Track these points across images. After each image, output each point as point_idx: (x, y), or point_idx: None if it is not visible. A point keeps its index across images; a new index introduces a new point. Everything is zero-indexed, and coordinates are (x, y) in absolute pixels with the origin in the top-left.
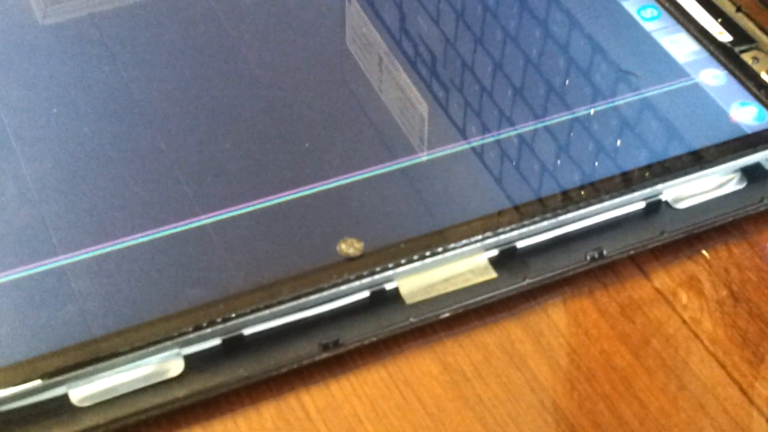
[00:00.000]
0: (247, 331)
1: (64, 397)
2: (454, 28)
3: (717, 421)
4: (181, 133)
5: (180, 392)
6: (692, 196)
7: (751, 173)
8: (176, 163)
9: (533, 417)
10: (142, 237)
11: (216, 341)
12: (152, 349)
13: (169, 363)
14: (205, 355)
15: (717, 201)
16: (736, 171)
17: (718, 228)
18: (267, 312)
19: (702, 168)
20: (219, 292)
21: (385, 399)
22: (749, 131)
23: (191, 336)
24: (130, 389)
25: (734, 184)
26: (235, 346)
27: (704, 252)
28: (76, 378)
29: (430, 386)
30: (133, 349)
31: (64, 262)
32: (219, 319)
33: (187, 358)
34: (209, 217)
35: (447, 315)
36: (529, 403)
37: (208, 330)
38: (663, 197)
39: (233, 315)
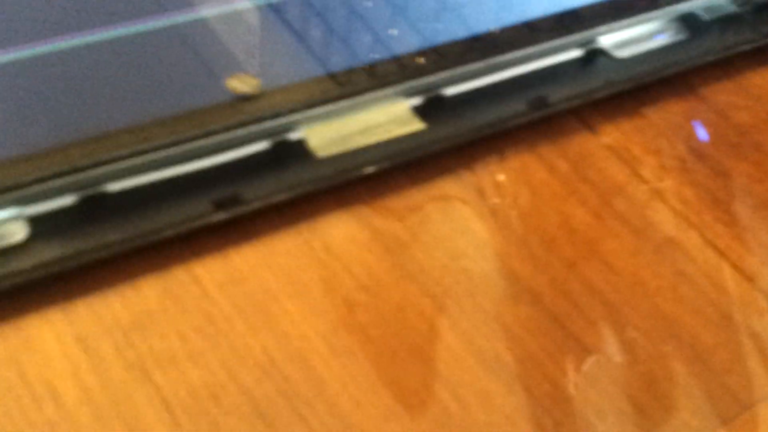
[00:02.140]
0: (112, 187)
1: None
2: None
3: (696, 285)
4: None
5: (24, 263)
6: (631, 44)
7: (691, 25)
8: None
9: (489, 287)
10: None
11: (70, 199)
12: None
13: (5, 226)
14: (57, 217)
15: (659, 51)
16: (673, 20)
17: (665, 81)
18: (137, 161)
19: (637, 12)
20: (73, 135)
21: (303, 271)
22: None
23: (32, 189)
24: None
25: (674, 35)
26: (97, 207)
27: (655, 105)
28: None
29: (359, 254)
30: None
31: None
32: (68, 169)
33: (33, 221)
34: (63, 41)
35: (372, 170)
36: (481, 272)
37: (57, 182)
38: (601, 44)
39: (91, 163)
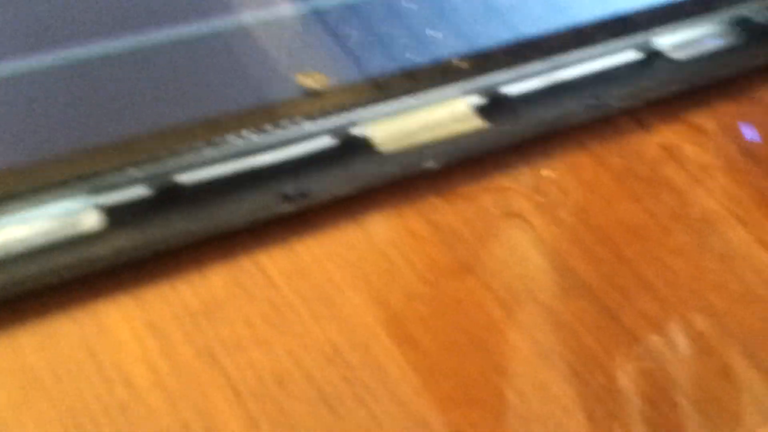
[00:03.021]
0: (183, 178)
1: None
2: None
3: (748, 283)
4: None
5: (99, 250)
6: (687, 46)
7: (745, 28)
8: None
9: (546, 282)
10: (50, 57)
11: (143, 189)
12: (55, 193)
13: (80, 214)
14: (130, 207)
15: (714, 54)
16: (727, 24)
17: (719, 83)
18: (207, 153)
19: (692, 14)
20: (145, 127)
21: (365, 263)
22: None
23: (107, 179)
24: (29, 246)
25: (728, 38)
26: (169, 198)
27: (708, 108)
28: None
29: (419, 248)
30: (28, 191)
31: None
32: (143, 159)
33: (108, 211)
34: (139, 37)
35: (432, 165)
36: (538, 267)
37: (130, 172)
38: (657, 46)
39: (162, 155)
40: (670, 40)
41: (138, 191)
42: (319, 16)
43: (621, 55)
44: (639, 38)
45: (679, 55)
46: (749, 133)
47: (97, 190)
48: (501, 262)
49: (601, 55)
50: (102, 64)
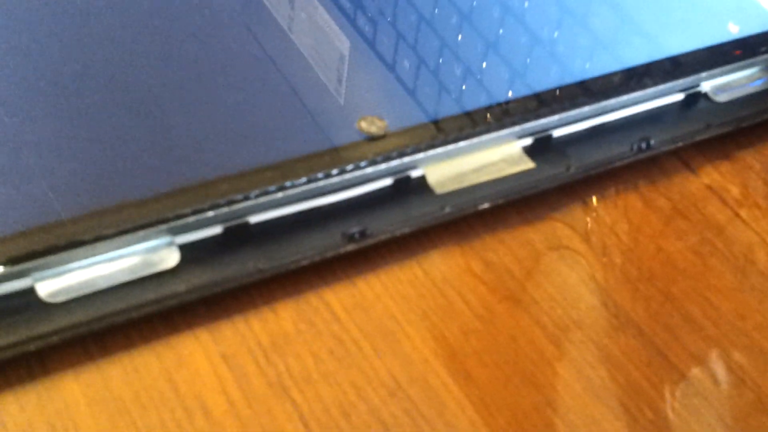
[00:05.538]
0: (254, 219)
1: (29, 292)
2: None
3: None
4: None
5: (178, 286)
6: (731, 88)
7: None
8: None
9: (596, 319)
10: (126, 102)
11: (216, 229)
12: (138, 234)
13: (160, 253)
14: (204, 245)
15: (757, 96)
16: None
17: (762, 124)
18: (277, 196)
19: (740, 59)
20: (220, 171)
21: (423, 299)
22: None
23: (186, 221)
24: (114, 282)
25: None
26: (240, 237)
27: (752, 148)
28: (47, 266)
29: (474, 286)
30: (114, 234)
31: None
32: (219, 202)
33: (183, 249)
34: (209, 89)
35: (486, 206)
36: (589, 305)
37: (207, 214)
38: (702, 89)
39: (237, 198)
40: (713, 82)
41: (211, 231)
42: (375, 60)
43: (667, 98)
44: (687, 82)
45: (721, 97)
46: None
47: (175, 231)
48: (552, 300)
49: (649, 98)
50: (178, 113)
